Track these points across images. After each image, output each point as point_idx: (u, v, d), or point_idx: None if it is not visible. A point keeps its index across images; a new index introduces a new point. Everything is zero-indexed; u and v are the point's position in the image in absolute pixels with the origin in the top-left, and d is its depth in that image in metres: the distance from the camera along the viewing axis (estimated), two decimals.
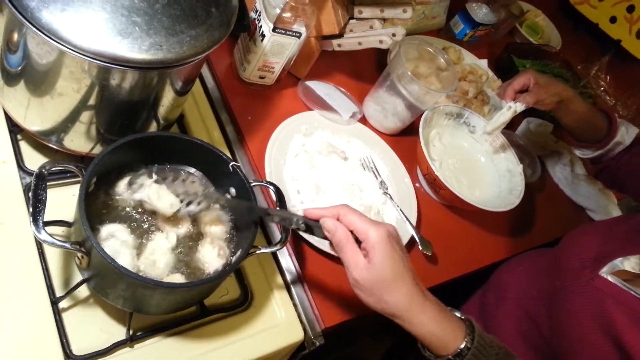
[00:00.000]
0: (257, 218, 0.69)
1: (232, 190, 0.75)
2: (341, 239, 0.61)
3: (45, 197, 0.59)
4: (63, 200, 0.73)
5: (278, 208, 0.75)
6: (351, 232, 0.62)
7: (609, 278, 0.75)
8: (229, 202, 0.73)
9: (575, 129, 1.07)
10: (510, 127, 1.26)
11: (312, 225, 0.65)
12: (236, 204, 0.72)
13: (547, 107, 1.02)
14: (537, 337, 0.84)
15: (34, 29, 0.57)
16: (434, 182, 1.01)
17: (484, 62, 1.37)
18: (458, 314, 0.64)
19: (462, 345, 0.60)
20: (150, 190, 0.66)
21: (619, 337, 0.70)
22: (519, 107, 1.00)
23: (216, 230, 0.71)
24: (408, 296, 0.60)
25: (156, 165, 0.73)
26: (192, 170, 0.75)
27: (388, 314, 0.62)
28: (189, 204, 0.68)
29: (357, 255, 0.60)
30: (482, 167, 1.14)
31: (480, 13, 1.37)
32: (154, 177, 0.69)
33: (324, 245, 0.85)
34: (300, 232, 0.84)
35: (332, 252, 0.85)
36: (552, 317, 0.82)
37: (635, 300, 0.72)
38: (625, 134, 1.05)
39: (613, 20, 1.75)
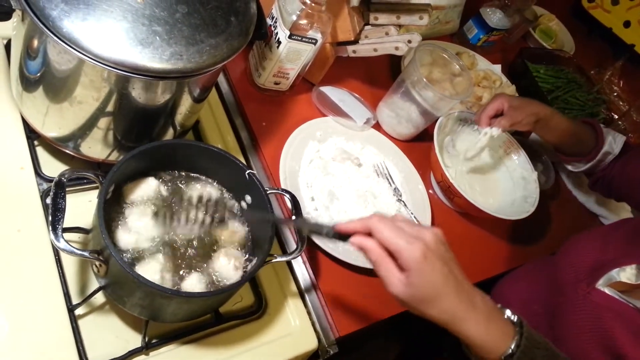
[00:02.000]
0: (274, 227, 0.69)
1: (248, 198, 0.75)
2: (374, 257, 0.58)
3: (65, 205, 0.59)
4: (79, 207, 0.73)
5: (294, 217, 0.75)
6: None
7: (606, 290, 0.74)
8: (252, 215, 0.72)
9: (561, 144, 1.06)
10: (523, 134, 1.26)
11: (343, 237, 0.62)
12: (261, 216, 0.70)
13: (525, 127, 1.01)
14: None
15: (55, 37, 0.57)
16: (448, 189, 1.00)
17: (497, 67, 1.37)
18: (509, 315, 0.62)
19: (508, 352, 0.59)
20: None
21: (619, 351, 0.69)
22: (495, 131, 1.00)
23: (232, 240, 0.71)
24: (449, 310, 0.59)
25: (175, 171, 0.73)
26: (210, 181, 0.75)
27: (433, 320, 0.60)
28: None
29: (391, 272, 0.58)
30: (496, 174, 1.13)
31: (494, 18, 1.36)
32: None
33: (338, 253, 0.85)
34: (314, 239, 0.85)
35: (347, 261, 0.85)
36: (554, 333, 0.80)
37: (633, 313, 0.70)
38: (613, 143, 1.04)
39: (627, 24, 1.74)
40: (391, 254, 0.58)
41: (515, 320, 0.62)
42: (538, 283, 0.90)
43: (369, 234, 0.59)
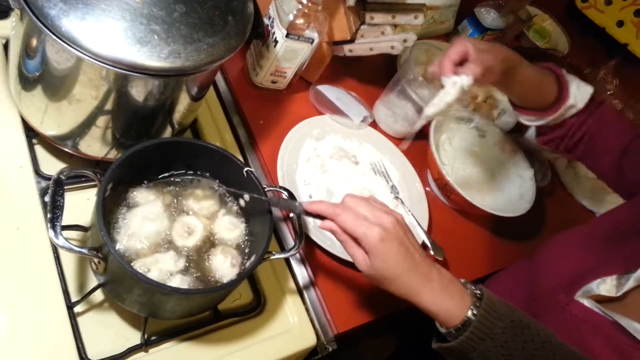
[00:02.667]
0: (272, 224, 0.70)
1: (246, 196, 0.75)
2: (339, 238, 0.67)
3: (63, 203, 0.60)
4: (78, 204, 0.73)
5: (292, 215, 0.76)
6: None
7: (585, 303, 0.73)
8: (236, 194, 0.75)
9: (524, 97, 0.92)
10: (518, 132, 1.27)
11: (311, 216, 0.69)
12: (237, 193, 0.74)
13: (495, 77, 0.82)
14: None
15: (54, 36, 0.57)
16: (445, 187, 1.01)
17: None
18: (472, 288, 0.66)
19: (466, 318, 0.62)
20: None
21: None
22: (466, 80, 0.78)
23: (229, 237, 0.71)
24: (405, 286, 0.65)
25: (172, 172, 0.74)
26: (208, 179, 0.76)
27: (396, 294, 0.66)
28: None
29: (357, 251, 0.65)
30: (492, 171, 1.14)
31: (489, 18, 1.37)
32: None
33: (336, 250, 0.86)
34: (312, 236, 0.85)
35: (346, 258, 0.85)
36: None
37: (611, 326, 0.70)
38: (577, 95, 0.89)
39: (620, 24, 1.75)
40: None
41: (476, 292, 0.65)
42: (519, 288, 0.88)
43: None
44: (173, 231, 0.69)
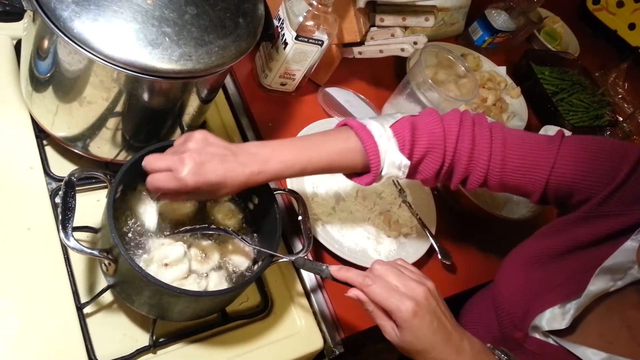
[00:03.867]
0: (280, 228, 0.69)
1: (255, 199, 0.75)
2: (367, 308, 0.63)
3: (75, 205, 0.60)
4: (88, 206, 0.73)
5: (300, 218, 0.75)
6: None
7: (537, 336, 0.73)
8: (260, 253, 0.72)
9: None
10: None
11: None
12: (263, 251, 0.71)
13: None
14: None
15: (66, 38, 0.57)
16: (454, 190, 1.00)
17: (502, 69, 1.37)
18: (498, 354, 0.65)
19: None
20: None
21: None
22: None
23: (238, 261, 0.72)
24: (442, 350, 0.62)
25: None
26: None
27: None
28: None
29: (387, 324, 0.62)
30: None
31: (499, 20, 1.36)
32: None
33: (344, 253, 0.86)
34: (320, 239, 0.85)
35: (353, 261, 0.85)
36: None
37: (568, 356, 0.69)
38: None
39: (632, 27, 1.74)
40: None
41: (504, 358, 0.65)
42: (486, 319, 0.87)
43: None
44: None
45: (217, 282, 0.68)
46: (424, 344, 0.61)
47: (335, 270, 0.64)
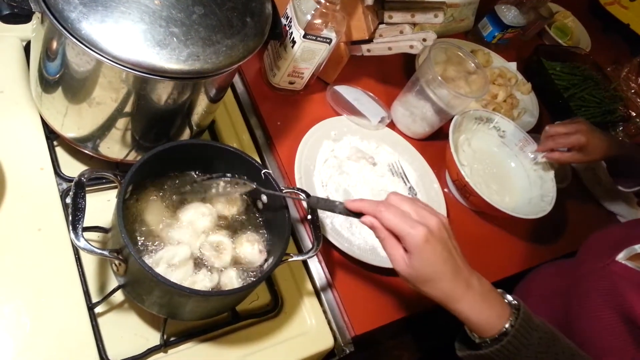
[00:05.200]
0: (290, 226, 0.69)
1: (264, 197, 0.75)
2: (379, 235, 0.63)
3: (85, 205, 0.60)
4: (98, 206, 0.73)
5: (309, 217, 0.75)
6: None
7: (625, 262, 0.75)
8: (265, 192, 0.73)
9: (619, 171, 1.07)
10: (539, 132, 1.24)
11: (352, 215, 0.66)
12: (267, 192, 0.72)
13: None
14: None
15: (74, 39, 0.57)
16: (464, 188, 1.00)
17: (512, 65, 1.35)
18: (510, 298, 0.65)
19: (504, 328, 0.62)
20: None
21: (632, 313, 0.70)
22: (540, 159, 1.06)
23: (248, 253, 0.71)
24: (444, 290, 0.63)
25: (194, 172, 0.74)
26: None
27: (433, 298, 0.64)
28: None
29: (396, 250, 0.62)
30: (512, 172, 1.12)
31: (509, 15, 1.35)
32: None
33: (354, 252, 0.85)
34: (330, 238, 0.85)
35: (363, 260, 0.85)
36: (570, 303, 0.82)
37: None
38: None
39: None
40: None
41: (513, 303, 0.65)
42: (563, 268, 0.91)
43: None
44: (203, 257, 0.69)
45: (230, 280, 0.68)
46: (433, 272, 0.61)
47: (349, 202, 0.65)
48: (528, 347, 0.62)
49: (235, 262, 0.70)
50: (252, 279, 0.70)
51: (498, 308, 0.63)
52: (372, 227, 0.63)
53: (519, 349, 0.61)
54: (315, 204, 0.69)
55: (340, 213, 0.66)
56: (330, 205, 0.67)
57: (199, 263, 0.68)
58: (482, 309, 0.63)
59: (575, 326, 0.80)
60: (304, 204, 0.70)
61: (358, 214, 0.65)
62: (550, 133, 1.04)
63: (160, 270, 0.63)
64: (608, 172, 1.09)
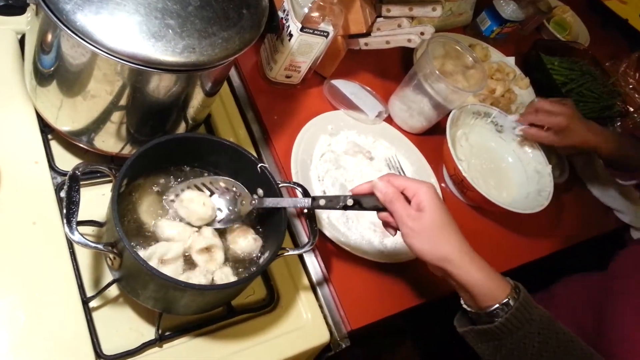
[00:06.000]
0: (286, 220, 0.69)
1: (260, 191, 0.75)
2: (393, 195, 0.65)
3: (79, 199, 0.60)
4: (93, 200, 0.73)
5: (306, 211, 0.75)
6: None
7: None
8: (265, 201, 0.72)
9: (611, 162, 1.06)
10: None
11: (359, 198, 0.68)
12: (269, 201, 0.71)
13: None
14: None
15: (69, 31, 0.57)
16: (461, 183, 0.99)
17: (511, 60, 1.35)
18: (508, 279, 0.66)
19: (507, 300, 0.62)
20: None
21: None
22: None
23: (243, 246, 0.71)
24: (459, 242, 0.65)
25: (187, 167, 0.73)
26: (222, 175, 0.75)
27: (440, 258, 0.64)
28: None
29: (408, 208, 0.65)
30: (509, 167, 1.12)
31: (508, 9, 1.34)
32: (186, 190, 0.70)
33: (350, 246, 0.85)
34: (326, 232, 0.84)
35: (359, 254, 0.85)
36: (601, 319, 0.81)
37: None
38: None
39: None
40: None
41: (510, 281, 0.66)
42: (586, 293, 0.90)
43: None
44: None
45: (226, 276, 0.68)
46: (447, 220, 0.64)
47: (354, 188, 0.69)
48: (531, 323, 0.62)
49: (232, 258, 0.70)
50: (247, 273, 0.69)
51: (499, 279, 0.64)
52: (383, 189, 0.65)
53: (523, 323, 0.61)
54: (319, 204, 0.69)
55: (344, 206, 0.67)
56: (334, 200, 0.68)
57: (192, 260, 0.67)
58: (490, 273, 0.64)
59: (603, 343, 0.79)
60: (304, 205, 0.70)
61: (362, 203, 0.67)
62: (535, 107, 1.04)
63: (153, 264, 0.63)
64: (605, 165, 1.08)
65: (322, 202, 0.68)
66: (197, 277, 0.65)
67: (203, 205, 0.68)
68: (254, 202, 0.71)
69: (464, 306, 0.68)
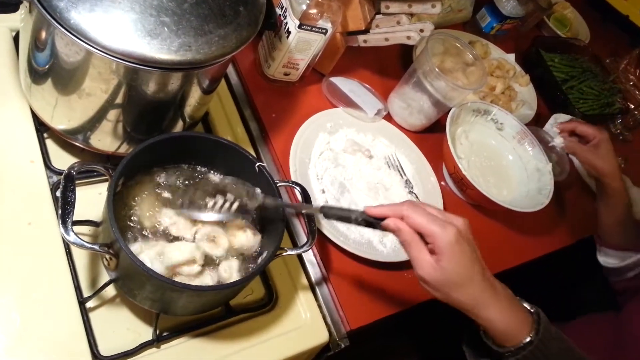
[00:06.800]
0: (284, 220, 0.68)
1: (258, 191, 0.74)
2: (406, 238, 0.60)
3: (74, 199, 0.59)
4: (89, 199, 0.72)
5: (304, 210, 0.74)
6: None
7: None
8: (270, 203, 0.71)
9: (609, 216, 1.04)
10: (537, 124, 1.23)
11: (373, 221, 0.62)
12: (279, 203, 0.70)
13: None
14: None
15: (63, 29, 0.56)
16: (461, 181, 0.99)
17: (511, 57, 1.34)
18: (527, 306, 0.64)
19: (526, 340, 0.60)
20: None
21: None
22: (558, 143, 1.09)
23: (243, 241, 0.70)
24: (474, 295, 0.60)
25: (184, 165, 0.73)
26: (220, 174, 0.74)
27: (454, 305, 0.62)
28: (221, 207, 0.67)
29: (423, 254, 0.59)
30: (510, 165, 1.11)
31: (508, 6, 1.33)
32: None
33: (349, 246, 0.85)
34: (325, 232, 0.84)
35: (359, 254, 0.84)
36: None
37: None
38: None
39: None
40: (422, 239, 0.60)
41: (532, 310, 0.63)
42: (599, 337, 0.89)
43: (400, 219, 0.60)
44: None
45: (230, 267, 0.67)
46: (463, 275, 0.58)
47: (370, 208, 0.62)
48: (548, 357, 0.60)
49: (235, 252, 0.69)
50: (253, 265, 0.69)
51: (521, 315, 0.62)
52: (396, 230, 0.60)
53: (540, 358, 0.60)
54: (328, 215, 0.65)
55: (356, 223, 0.62)
56: (345, 215, 0.63)
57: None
58: (509, 315, 0.61)
59: None
60: (315, 214, 0.66)
61: (375, 224, 0.61)
62: (576, 121, 1.06)
63: (157, 267, 0.62)
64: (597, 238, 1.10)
65: (332, 213, 0.65)
66: (205, 276, 0.65)
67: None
68: (259, 197, 0.69)
69: (484, 339, 0.65)
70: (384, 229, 0.61)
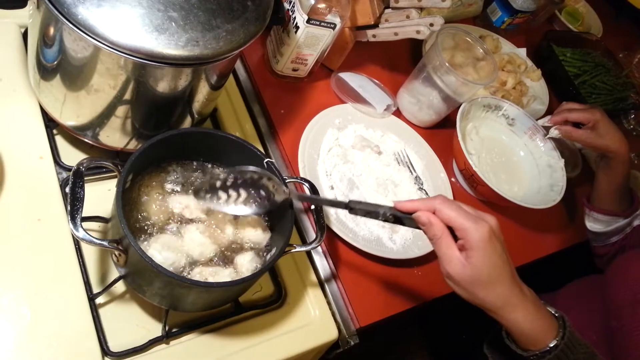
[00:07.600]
0: (293, 216, 0.68)
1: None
2: (436, 233, 0.58)
3: (83, 195, 0.59)
4: (98, 196, 0.72)
5: (313, 206, 0.73)
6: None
7: None
8: (297, 196, 0.70)
9: (604, 192, 1.01)
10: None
11: (402, 217, 0.61)
12: (305, 197, 0.69)
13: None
14: None
15: (70, 25, 0.56)
16: (472, 178, 0.98)
17: (522, 51, 1.33)
18: (552, 310, 0.63)
19: (552, 344, 0.60)
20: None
21: None
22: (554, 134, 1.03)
23: (252, 236, 0.70)
24: (502, 296, 0.59)
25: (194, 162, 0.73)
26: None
27: (479, 306, 0.60)
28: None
29: (452, 250, 0.57)
30: (521, 161, 1.10)
31: (519, 0, 1.32)
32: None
33: (358, 242, 0.84)
34: (334, 229, 0.83)
35: (368, 250, 0.83)
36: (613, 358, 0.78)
37: None
38: None
39: None
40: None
41: (557, 315, 0.62)
42: (590, 309, 0.87)
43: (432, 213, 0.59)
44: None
45: (245, 259, 0.67)
46: (493, 273, 0.57)
47: (399, 203, 0.60)
48: None
49: (247, 247, 0.69)
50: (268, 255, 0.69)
51: (547, 319, 0.61)
52: (427, 224, 0.58)
53: None
54: (355, 210, 0.63)
55: (384, 219, 0.61)
56: (373, 210, 0.61)
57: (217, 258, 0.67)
58: (536, 319, 0.60)
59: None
60: (345, 211, 0.64)
61: (404, 220, 0.60)
62: (566, 107, 1.01)
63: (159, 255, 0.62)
64: (585, 200, 1.07)
65: (359, 208, 0.63)
66: (222, 272, 0.65)
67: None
68: (285, 192, 0.67)
69: (506, 341, 0.64)
70: (413, 224, 0.60)
